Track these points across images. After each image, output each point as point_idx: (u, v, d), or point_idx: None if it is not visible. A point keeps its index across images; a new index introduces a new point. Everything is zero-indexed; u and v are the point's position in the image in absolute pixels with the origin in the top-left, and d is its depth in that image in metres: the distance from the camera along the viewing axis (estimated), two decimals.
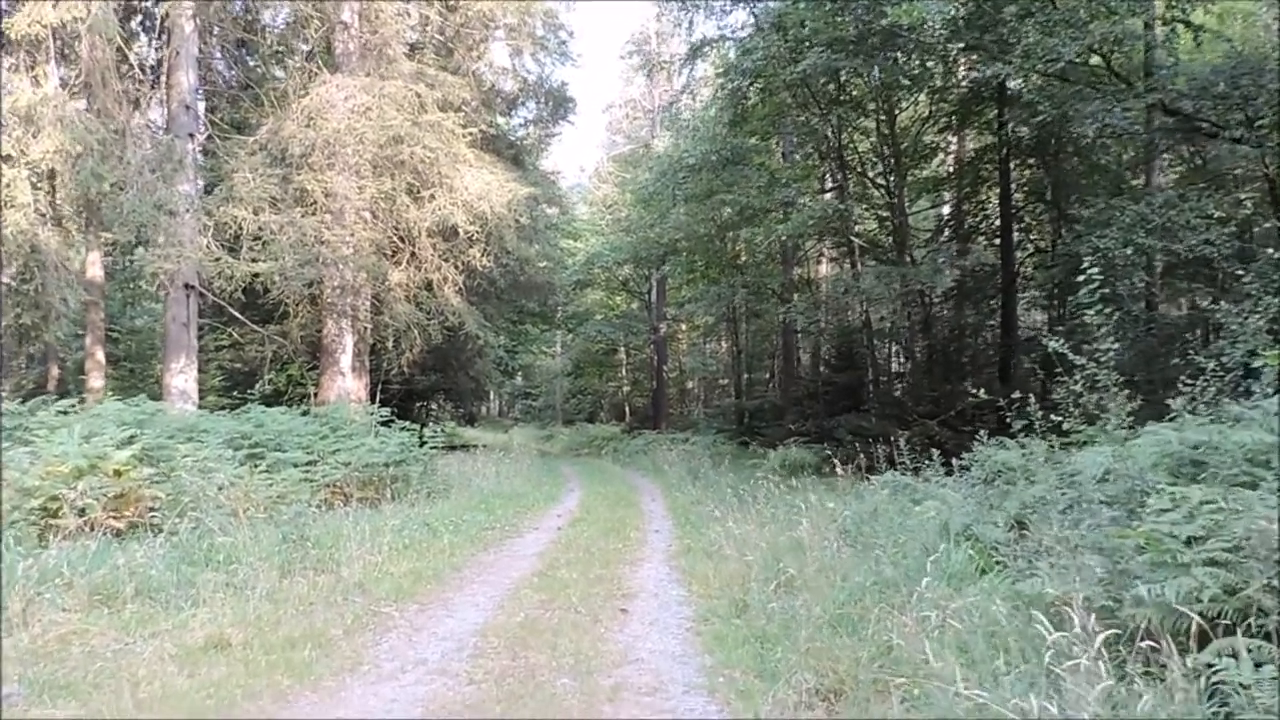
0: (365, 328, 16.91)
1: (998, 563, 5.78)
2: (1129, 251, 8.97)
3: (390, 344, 16.92)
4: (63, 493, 7.27)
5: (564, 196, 25.93)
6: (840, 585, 5.66)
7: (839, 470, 10.50)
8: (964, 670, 4.00)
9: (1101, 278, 7.39)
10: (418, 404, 26.58)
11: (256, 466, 9.75)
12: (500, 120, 21.79)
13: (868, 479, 10.37)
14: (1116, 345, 7.16)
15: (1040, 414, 6.94)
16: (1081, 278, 7.45)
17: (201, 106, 18.41)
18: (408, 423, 13.88)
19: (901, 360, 16.99)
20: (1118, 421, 6.66)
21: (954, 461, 8.15)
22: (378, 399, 18.30)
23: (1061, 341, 7.42)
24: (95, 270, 16.45)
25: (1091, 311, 7.20)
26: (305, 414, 12.44)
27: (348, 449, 11.11)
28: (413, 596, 6.68)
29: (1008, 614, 4.61)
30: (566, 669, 4.84)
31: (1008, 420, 7.85)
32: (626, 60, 38.21)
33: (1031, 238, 17.35)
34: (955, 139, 19.28)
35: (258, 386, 12.95)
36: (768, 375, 31.33)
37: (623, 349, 40.12)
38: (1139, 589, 3.78)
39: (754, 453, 18.83)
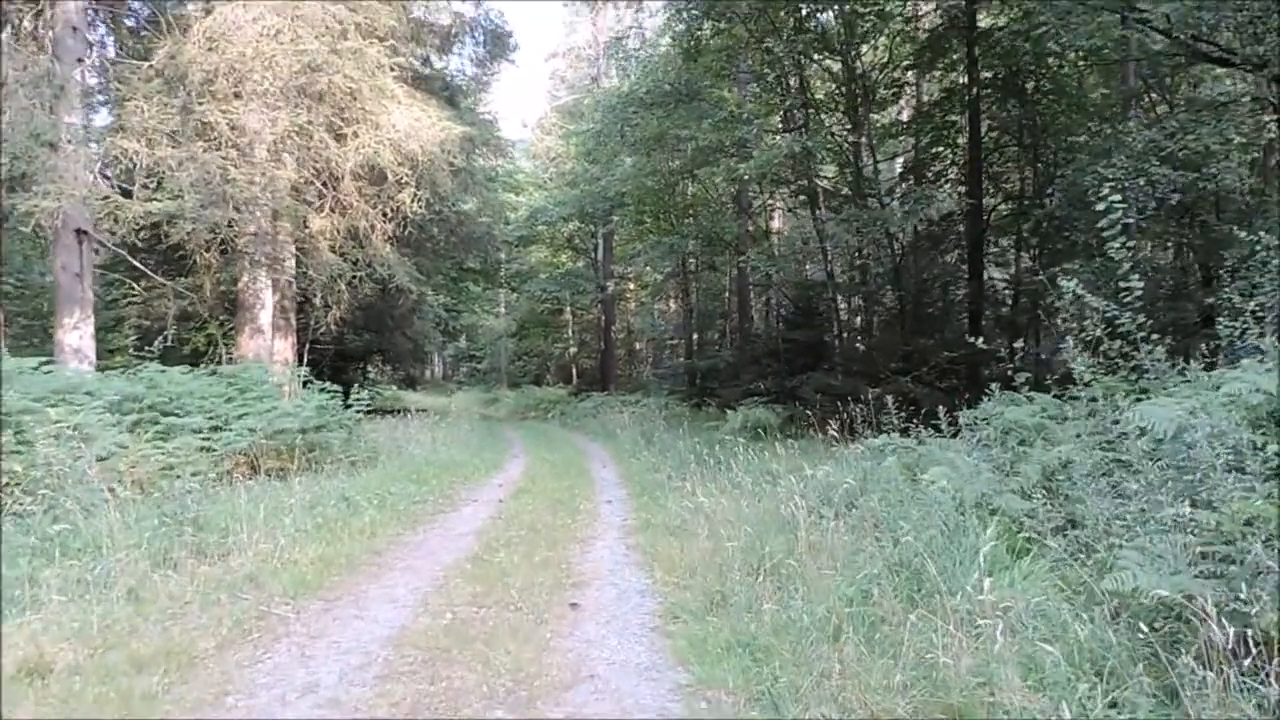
0: (288, 281, 15.37)
1: (1027, 540, 4.77)
2: (1141, 182, 7.99)
3: (317, 299, 15.41)
4: None
5: (504, 143, 24.24)
6: (844, 574, 4.60)
7: (817, 432, 9.45)
8: (1035, 697, 2.98)
9: (1123, 205, 6.40)
10: (353, 366, 25.04)
11: (144, 434, 8.39)
12: (434, 59, 20.11)
13: (845, 441, 9.38)
14: (1142, 283, 6.17)
15: (1093, 362, 5.87)
16: (1101, 208, 6.45)
17: (111, 43, 16.59)
18: (336, 386, 12.50)
19: (866, 315, 15.98)
20: (1154, 370, 5.70)
21: (958, 420, 7.13)
22: (305, 360, 16.83)
23: (1075, 282, 6.44)
24: None
25: (1116, 245, 6.19)
26: (213, 374, 10.97)
27: (257, 413, 9.75)
28: (317, 591, 5.47)
29: (1070, 613, 3.59)
30: (501, 695, 3.69)
31: (1023, 374, 6.84)
32: (569, 5, 36.63)
33: (1001, 185, 16.35)
34: (918, 82, 18.20)
35: (157, 344, 11.42)
36: (718, 335, 30.30)
37: (569, 309, 38.73)
38: None
39: (710, 414, 17.80)
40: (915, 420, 7.51)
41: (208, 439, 8.95)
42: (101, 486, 6.65)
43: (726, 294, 28.75)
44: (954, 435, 6.82)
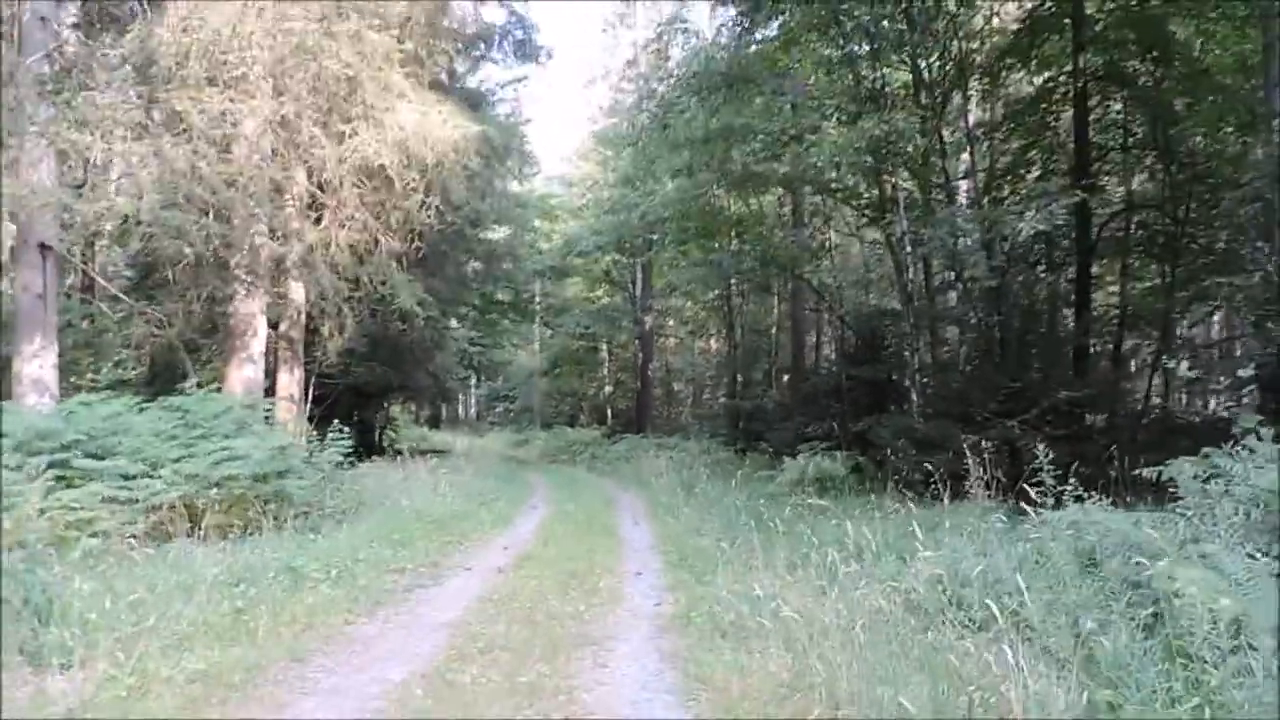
0: (295, 305, 13.40)
1: None
2: None
3: (324, 327, 13.46)
4: None
5: (530, 154, 22.23)
6: None
7: (905, 488, 7.28)
8: None
9: None
10: (373, 404, 23.08)
11: (34, 478, 6.47)
12: (458, 64, 18.26)
13: (942, 499, 7.20)
14: None
15: None
16: None
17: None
18: (354, 423, 10.54)
19: (934, 348, 13.67)
20: None
21: (1112, 478, 4.94)
22: (310, 396, 14.92)
23: None
24: None
25: None
26: (167, 407, 8.98)
27: (201, 454, 7.80)
28: None
29: None
30: None
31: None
32: (610, 32, 35.19)
33: (1104, 194, 13.91)
34: (995, 78, 15.88)
35: (105, 372, 9.61)
36: (762, 374, 28.02)
37: (604, 346, 36.75)
38: None
39: (759, 461, 15.59)
40: (1066, 478, 5.29)
41: (127, 487, 7.00)
42: None
43: (774, 330, 26.61)
44: (1115, 499, 4.63)
